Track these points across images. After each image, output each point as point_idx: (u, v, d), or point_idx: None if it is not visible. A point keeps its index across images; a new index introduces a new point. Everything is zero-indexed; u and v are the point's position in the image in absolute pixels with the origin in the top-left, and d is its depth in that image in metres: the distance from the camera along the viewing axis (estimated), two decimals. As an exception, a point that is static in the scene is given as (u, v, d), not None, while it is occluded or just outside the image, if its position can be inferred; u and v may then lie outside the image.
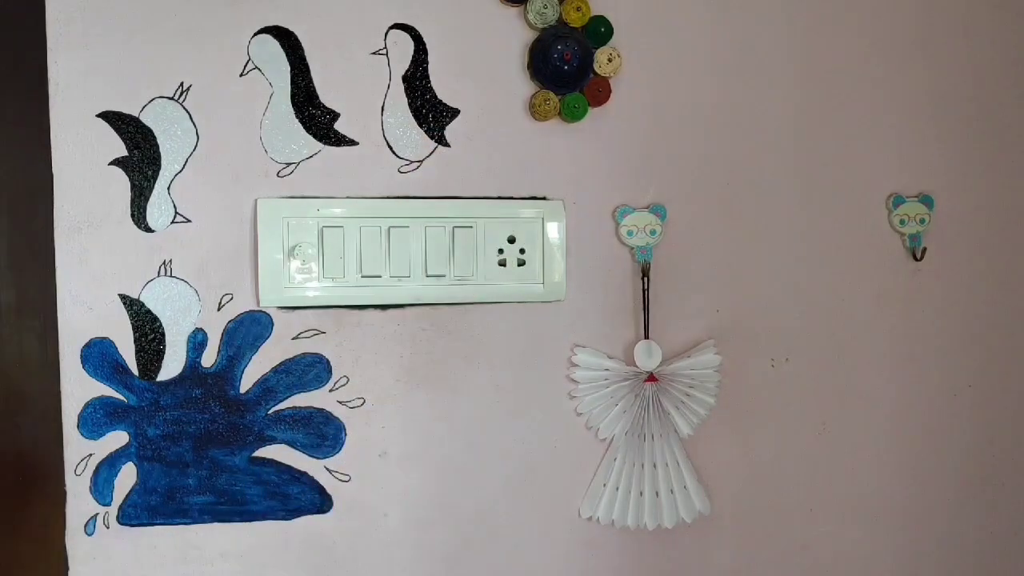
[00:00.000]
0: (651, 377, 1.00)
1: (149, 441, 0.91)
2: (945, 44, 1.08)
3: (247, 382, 0.93)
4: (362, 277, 0.94)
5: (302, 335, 0.94)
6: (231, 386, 0.92)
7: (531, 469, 1.00)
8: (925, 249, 1.07)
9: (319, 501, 0.95)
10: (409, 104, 0.94)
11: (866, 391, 1.08)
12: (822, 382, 1.07)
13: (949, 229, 1.08)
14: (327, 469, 0.95)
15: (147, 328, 0.90)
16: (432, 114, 0.95)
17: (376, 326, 0.95)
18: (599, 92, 0.97)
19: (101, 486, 0.90)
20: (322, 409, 0.94)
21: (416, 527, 0.97)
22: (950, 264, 1.09)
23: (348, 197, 0.94)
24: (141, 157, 0.89)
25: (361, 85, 0.93)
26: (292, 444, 0.94)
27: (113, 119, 0.89)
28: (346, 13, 0.92)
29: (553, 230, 0.98)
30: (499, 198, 0.97)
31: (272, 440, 0.93)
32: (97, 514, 0.91)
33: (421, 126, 0.95)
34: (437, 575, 0.99)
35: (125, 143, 0.89)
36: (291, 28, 0.91)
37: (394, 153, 0.95)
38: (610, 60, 0.96)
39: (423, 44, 0.94)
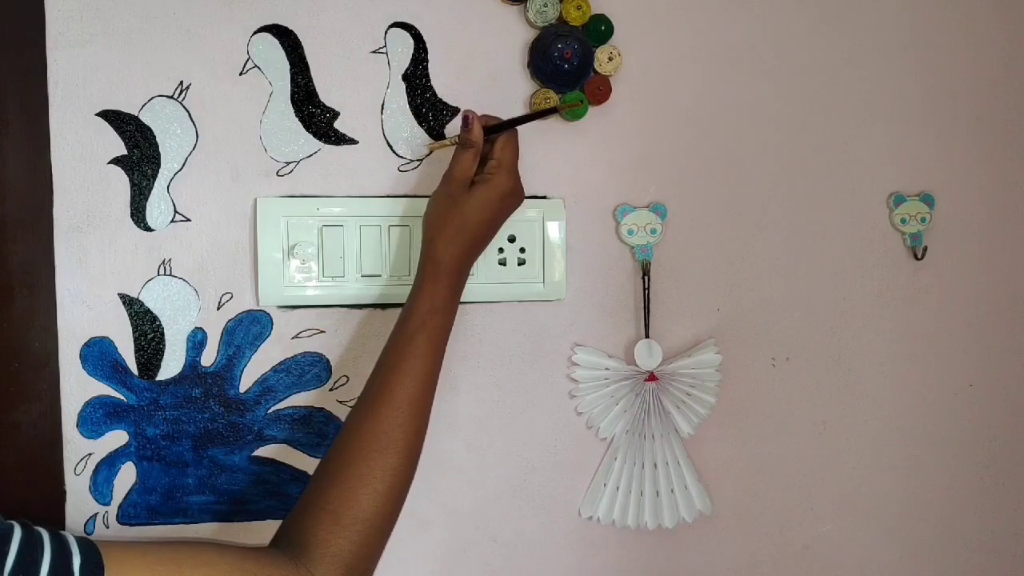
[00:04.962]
0: (651, 376, 1.00)
1: (148, 440, 0.91)
2: (946, 43, 1.07)
3: (247, 381, 0.92)
4: (362, 276, 0.94)
5: (302, 334, 0.93)
6: (231, 385, 0.92)
7: (531, 469, 1.00)
8: (926, 248, 1.07)
9: (319, 501, 0.95)
10: (409, 103, 0.94)
11: (866, 391, 1.08)
12: (822, 382, 1.07)
13: (950, 228, 1.08)
14: (327, 468, 0.95)
15: (146, 327, 0.90)
16: (432, 113, 0.95)
17: (376, 325, 0.95)
18: (599, 91, 0.96)
19: (101, 486, 0.90)
20: (322, 408, 0.94)
21: (416, 527, 0.97)
22: (951, 263, 1.09)
23: (348, 196, 0.93)
24: (140, 156, 0.89)
25: (361, 84, 0.93)
26: (292, 443, 0.94)
27: (112, 118, 0.88)
28: (346, 12, 0.92)
29: (553, 229, 0.98)
30: (499, 197, 0.97)
31: (272, 439, 0.93)
32: (96, 514, 0.91)
33: (421, 125, 0.95)
34: (436, 575, 0.99)
35: (124, 142, 0.89)
36: (290, 27, 0.91)
37: (394, 152, 0.94)
38: (610, 59, 0.96)
39: (423, 42, 0.94)
